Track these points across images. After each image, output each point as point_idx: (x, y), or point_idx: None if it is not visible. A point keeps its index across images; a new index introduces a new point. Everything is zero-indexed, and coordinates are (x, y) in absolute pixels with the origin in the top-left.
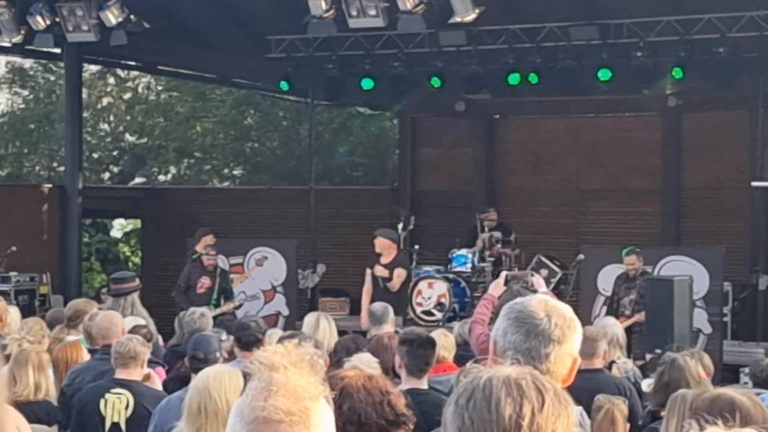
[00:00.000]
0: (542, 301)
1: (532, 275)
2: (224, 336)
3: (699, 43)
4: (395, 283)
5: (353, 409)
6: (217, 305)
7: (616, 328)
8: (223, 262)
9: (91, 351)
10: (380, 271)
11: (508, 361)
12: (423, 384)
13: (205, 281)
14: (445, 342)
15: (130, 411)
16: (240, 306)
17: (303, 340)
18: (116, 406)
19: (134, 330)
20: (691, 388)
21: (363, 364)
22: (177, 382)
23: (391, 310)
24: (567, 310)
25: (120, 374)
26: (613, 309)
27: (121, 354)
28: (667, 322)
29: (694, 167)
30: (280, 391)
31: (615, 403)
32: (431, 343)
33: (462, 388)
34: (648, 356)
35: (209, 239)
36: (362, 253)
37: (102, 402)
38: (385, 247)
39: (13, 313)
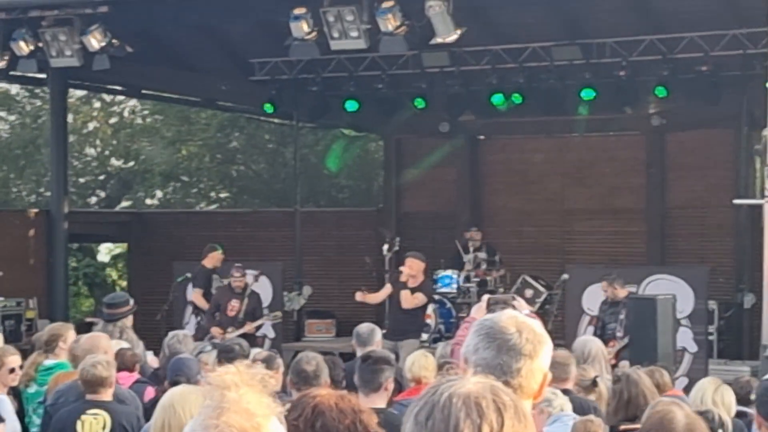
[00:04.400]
0: (512, 317)
1: (514, 298)
2: (208, 347)
3: (682, 62)
4: (409, 302)
5: (326, 428)
6: (242, 325)
7: (595, 343)
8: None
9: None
10: (389, 290)
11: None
12: (379, 402)
13: (235, 304)
14: (425, 362)
15: (107, 431)
16: (261, 326)
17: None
18: (93, 426)
19: (119, 354)
20: (649, 400)
21: None
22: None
23: (378, 332)
24: (537, 325)
25: (91, 397)
26: (598, 334)
27: (88, 381)
28: (650, 341)
29: (678, 186)
30: (232, 409)
31: (592, 421)
32: (382, 362)
33: (422, 402)
34: None
35: (216, 256)
36: (348, 275)
37: (79, 423)
38: (418, 269)
39: None
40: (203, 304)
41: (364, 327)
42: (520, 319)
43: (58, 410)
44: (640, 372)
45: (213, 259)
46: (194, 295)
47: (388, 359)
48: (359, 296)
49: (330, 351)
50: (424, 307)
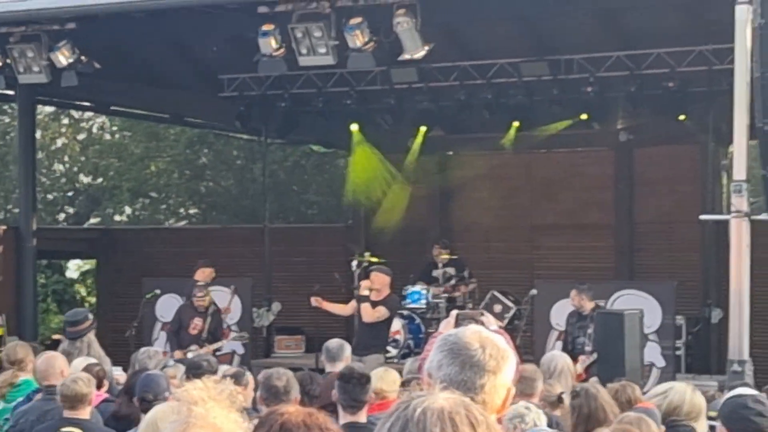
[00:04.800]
0: (476, 332)
1: (483, 314)
2: (171, 361)
3: (649, 77)
4: (370, 316)
5: None
6: (204, 344)
7: (562, 359)
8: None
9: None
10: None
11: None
12: (361, 418)
13: (197, 322)
14: (387, 377)
15: None
16: (219, 348)
17: None
18: None
19: (87, 369)
20: (609, 415)
21: None
22: (114, 420)
23: (348, 347)
24: (500, 340)
25: (68, 414)
26: (569, 349)
27: (68, 397)
28: (618, 356)
29: (646, 201)
30: (198, 424)
31: None
32: (365, 379)
33: (394, 417)
34: None
35: (208, 271)
36: (317, 291)
37: None
38: (381, 283)
39: None
40: None
41: (333, 343)
42: (483, 334)
43: (22, 430)
44: (599, 386)
45: (204, 273)
46: None
47: (369, 375)
48: (314, 301)
49: (299, 367)
50: (389, 321)
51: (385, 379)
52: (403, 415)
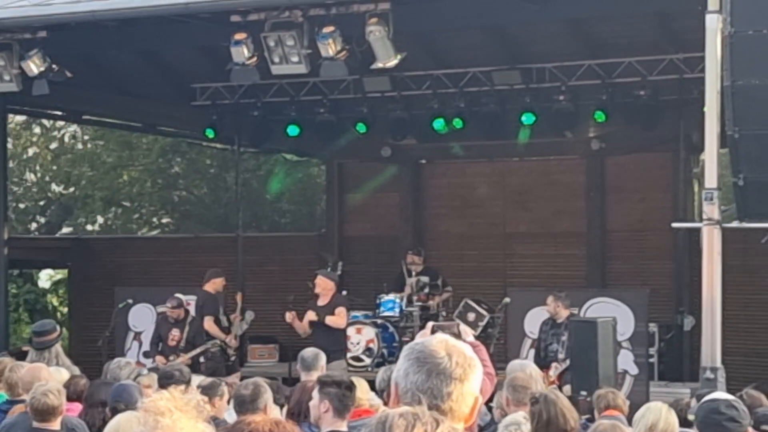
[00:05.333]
0: (442, 341)
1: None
2: (145, 371)
3: (620, 86)
4: (340, 321)
5: None
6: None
7: (532, 367)
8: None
9: (10, 402)
10: (311, 316)
11: (409, 402)
12: (343, 426)
13: (175, 333)
14: (360, 385)
15: None
16: (199, 354)
17: None
18: None
19: (73, 382)
20: (569, 420)
21: None
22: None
23: (323, 356)
24: (467, 349)
25: (38, 425)
26: (541, 356)
27: (38, 410)
28: (592, 364)
29: (618, 209)
30: None
31: None
32: (354, 386)
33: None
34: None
35: (219, 282)
36: (293, 302)
37: None
38: (326, 287)
39: None
40: (217, 331)
41: (308, 352)
42: (450, 343)
43: None
44: (557, 392)
45: (215, 284)
46: (207, 323)
47: (354, 384)
48: (289, 317)
49: (273, 376)
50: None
51: (360, 387)
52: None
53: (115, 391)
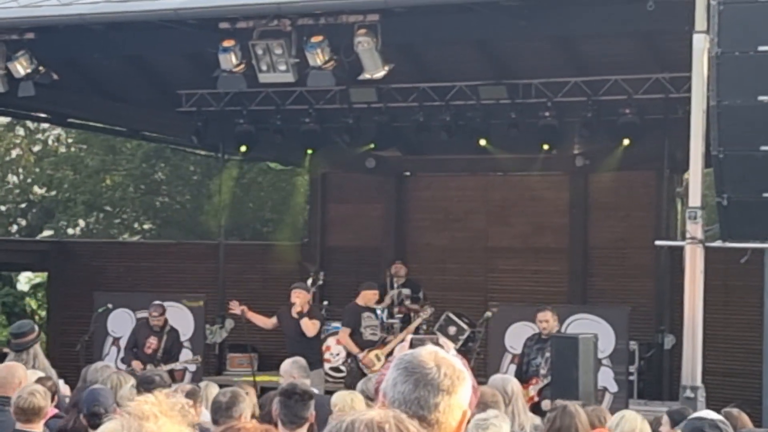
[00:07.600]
0: (432, 352)
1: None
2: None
3: (606, 104)
4: (312, 328)
5: None
6: (159, 363)
7: (514, 382)
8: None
9: None
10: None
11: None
12: None
13: (152, 341)
14: (355, 399)
15: None
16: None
17: None
18: None
19: (39, 382)
20: None
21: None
22: None
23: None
24: (457, 361)
25: (21, 427)
26: (523, 370)
27: (24, 410)
28: (572, 380)
29: (600, 226)
30: None
31: None
32: (307, 396)
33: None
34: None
35: (369, 295)
36: (272, 309)
37: None
38: (303, 300)
39: None
40: (350, 345)
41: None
42: (440, 354)
43: None
44: (578, 406)
45: (366, 297)
46: (341, 334)
47: (311, 392)
48: (236, 308)
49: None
50: (319, 336)
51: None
52: (335, 428)
53: (92, 396)
